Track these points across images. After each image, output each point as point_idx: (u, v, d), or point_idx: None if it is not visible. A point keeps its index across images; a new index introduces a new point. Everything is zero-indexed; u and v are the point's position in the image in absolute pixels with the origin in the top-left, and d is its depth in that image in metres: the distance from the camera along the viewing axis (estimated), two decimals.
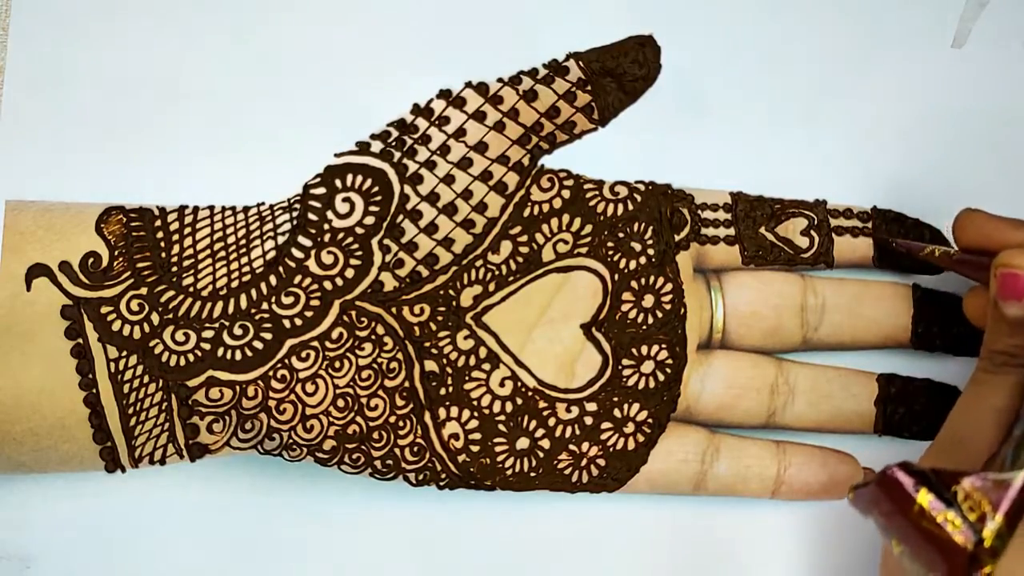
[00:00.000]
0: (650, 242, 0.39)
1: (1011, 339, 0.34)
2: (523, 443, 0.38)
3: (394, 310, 0.37)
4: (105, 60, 0.42)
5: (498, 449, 0.38)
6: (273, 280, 0.35)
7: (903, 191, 0.43)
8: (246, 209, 0.37)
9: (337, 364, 0.36)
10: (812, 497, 0.40)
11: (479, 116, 0.36)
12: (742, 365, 0.40)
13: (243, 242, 0.36)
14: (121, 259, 0.35)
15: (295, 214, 0.36)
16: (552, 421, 0.38)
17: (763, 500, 0.40)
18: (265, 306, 0.35)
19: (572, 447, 0.38)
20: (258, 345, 0.35)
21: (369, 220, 0.36)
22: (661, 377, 0.39)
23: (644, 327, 0.39)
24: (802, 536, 0.41)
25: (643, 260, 0.39)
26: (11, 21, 0.42)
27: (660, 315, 0.39)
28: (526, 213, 0.38)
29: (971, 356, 0.41)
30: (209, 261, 0.36)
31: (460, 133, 0.36)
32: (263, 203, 0.37)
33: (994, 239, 0.35)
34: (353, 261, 0.36)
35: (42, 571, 0.38)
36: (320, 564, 0.39)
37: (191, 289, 0.35)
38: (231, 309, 0.35)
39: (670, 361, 0.39)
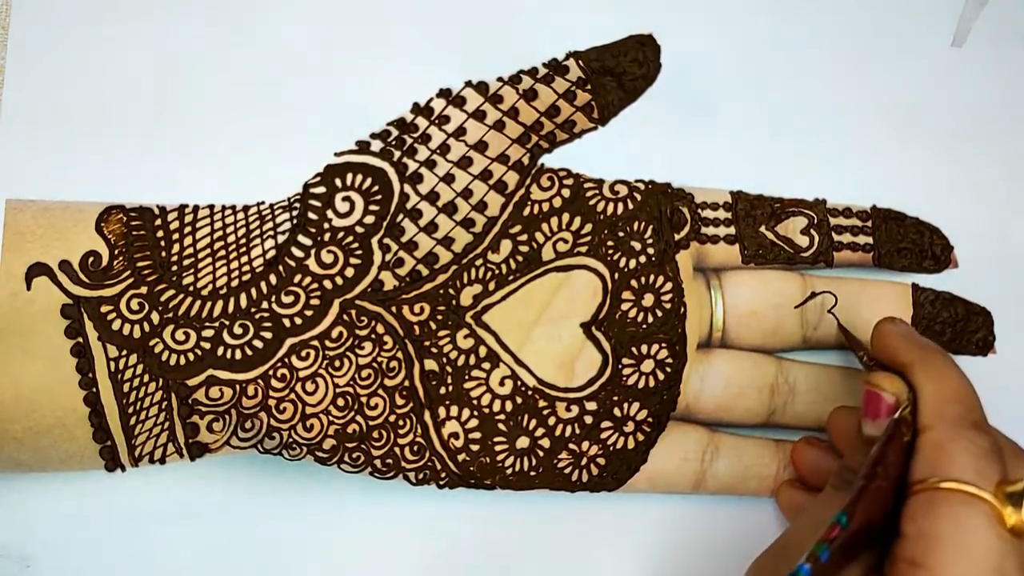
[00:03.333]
0: (650, 241, 0.39)
1: (862, 457, 0.34)
2: (523, 442, 0.38)
3: (394, 309, 0.37)
4: (105, 60, 0.42)
5: (498, 448, 0.38)
6: (273, 279, 0.35)
7: (903, 190, 0.43)
8: (246, 208, 0.37)
9: (337, 363, 0.36)
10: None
11: (479, 115, 0.36)
12: (742, 364, 0.40)
13: (243, 241, 0.36)
14: (121, 258, 0.35)
15: (295, 213, 0.36)
16: (552, 420, 0.38)
17: (763, 499, 0.40)
18: (265, 305, 0.35)
19: (572, 446, 0.38)
20: (258, 344, 0.35)
21: (369, 219, 0.36)
22: (661, 376, 0.39)
23: (644, 326, 0.39)
24: None
25: (643, 259, 0.39)
26: (11, 21, 0.42)
27: (660, 314, 0.39)
28: (526, 212, 0.38)
29: (971, 355, 0.42)
30: (209, 260, 0.36)
31: (460, 132, 0.36)
32: (263, 202, 0.37)
33: (894, 357, 0.35)
34: (353, 260, 0.36)
35: (42, 571, 0.38)
36: (320, 564, 0.39)
37: (191, 288, 0.35)
38: (231, 308, 0.35)
39: (670, 360, 0.39)
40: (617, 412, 0.39)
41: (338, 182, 0.36)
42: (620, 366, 0.39)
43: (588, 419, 0.38)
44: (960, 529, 0.30)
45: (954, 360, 0.34)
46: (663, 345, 0.39)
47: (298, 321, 0.35)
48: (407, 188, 0.36)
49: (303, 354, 0.35)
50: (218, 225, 0.36)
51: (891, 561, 0.31)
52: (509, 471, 0.38)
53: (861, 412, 0.34)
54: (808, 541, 0.30)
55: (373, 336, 0.36)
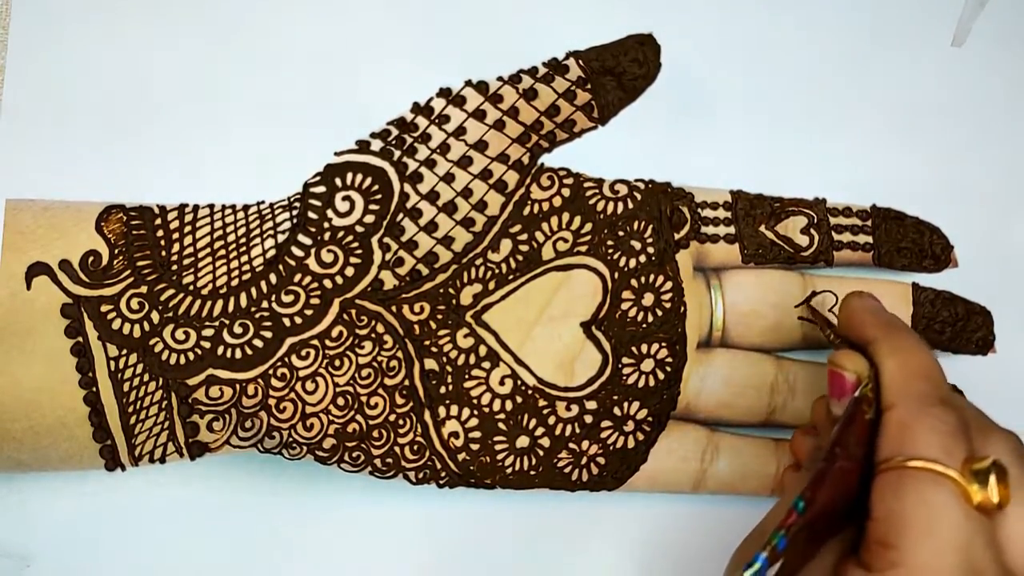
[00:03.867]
0: (650, 240, 0.39)
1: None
2: (523, 441, 0.38)
3: (394, 308, 0.37)
4: (105, 60, 0.42)
5: (498, 447, 0.38)
6: (273, 278, 0.35)
7: (903, 190, 0.43)
8: (246, 207, 0.37)
9: (337, 362, 0.36)
10: None
11: (479, 115, 0.36)
12: (742, 363, 0.40)
13: (243, 240, 0.36)
14: (121, 257, 0.35)
15: (295, 212, 0.36)
16: (552, 419, 0.38)
17: (763, 498, 0.40)
18: (265, 304, 0.35)
19: (572, 445, 0.38)
20: (258, 343, 0.35)
21: (369, 218, 0.36)
22: (661, 375, 0.39)
23: (644, 325, 0.39)
24: None
25: (643, 258, 0.39)
26: (11, 21, 0.42)
27: (660, 313, 0.39)
28: (526, 211, 0.38)
29: (971, 355, 0.42)
30: (209, 259, 0.36)
31: (460, 131, 0.36)
32: (263, 201, 0.37)
33: (859, 333, 0.35)
34: (353, 259, 0.36)
35: (42, 570, 0.38)
36: (320, 563, 0.39)
37: (191, 287, 0.35)
38: (231, 307, 0.35)
39: (670, 359, 0.39)
40: (617, 411, 0.39)
41: (338, 181, 0.36)
42: (620, 365, 0.39)
43: (588, 418, 0.38)
44: (927, 508, 0.29)
45: (918, 336, 0.34)
46: (663, 344, 0.39)
47: (298, 320, 0.35)
48: (407, 187, 0.36)
49: (303, 353, 0.35)
50: (218, 224, 0.36)
51: (864, 544, 0.31)
52: (509, 470, 0.38)
53: (828, 392, 0.34)
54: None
55: (373, 335, 0.36)
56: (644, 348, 0.39)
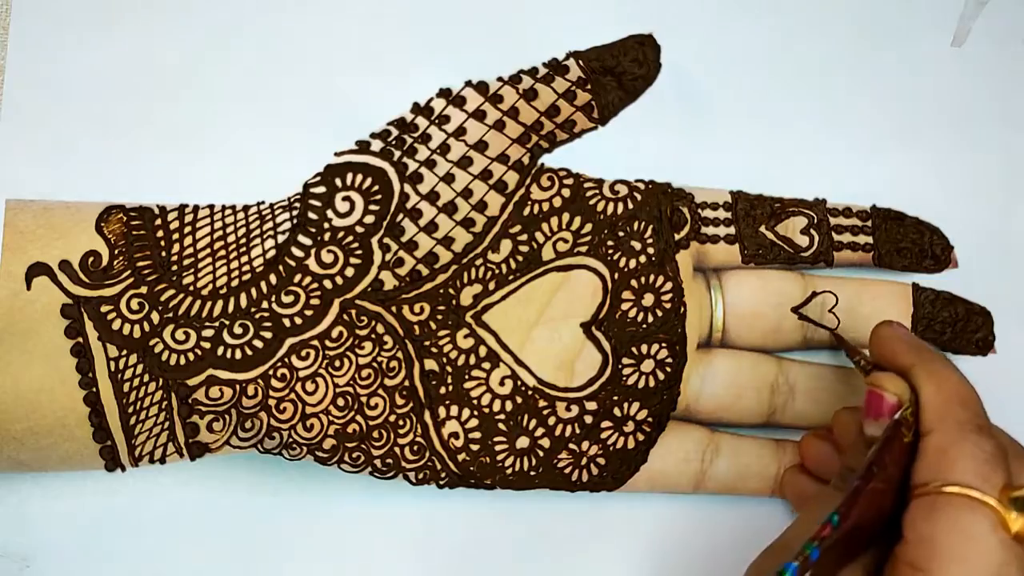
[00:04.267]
0: (650, 241, 0.39)
1: (861, 458, 0.34)
2: (523, 442, 0.38)
3: (394, 309, 0.37)
4: (105, 60, 0.42)
5: (498, 448, 0.38)
6: (273, 279, 0.35)
7: (903, 190, 0.43)
8: (246, 208, 0.37)
9: (337, 363, 0.36)
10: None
11: (479, 115, 0.36)
12: (742, 364, 0.40)
13: (243, 241, 0.36)
14: (121, 258, 0.35)
15: (295, 213, 0.36)
16: (552, 420, 0.38)
17: (763, 499, 0.40)
18: (265, 305, 0.35)
19: (572, 446, 0.38)
20: (258, 344, 0.35)
21: (369, 219, 0.36)
22: (661, 376, 0.39)
23: (644, 326, 0.39)
24: None
25: (643, 259, 0.39)
26: (11, 21, 0.42)
27: (660, 314, 0.39)
28: (526, 212, 0.38)
29: (971, 355, 0.42)
30: (209, 260, 0.36)
31: (460, 132, 0.36)
32: (263, 202, 0.37)
33: (893, 360, 0.35)
34: (353, 260, 0.36)
35: (42, 570, 0.38)
36: (320, 563, 0.39)
37: (191, 288, 0.35)
38: (231, 308, 0.35)
39: (670, 360, 0.39)
40: (617, 412, 0.39)
41: (338, 182, 0.36)
42: (620, 366, 0.39)
43: (588, 419, 0.38)
44: (962, 534, 0.30)
45: (954, 364, 0.34)
46: (663, 345, 0.39)
47: (298, 321, 0.35)
48: (407, 188, 0.36)
49: (303, 354, 0.35)
50: (218, 225, 0.36)
51: (891, 564, 0.31)
52: (509, 471, 0.38)
53: (863, 412, 0.34)
54: (804, 540, 0.30)
55: (373, 336, 0.36)
56: (644, 349, 0.39)
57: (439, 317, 0.37)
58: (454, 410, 0.37)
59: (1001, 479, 0.30)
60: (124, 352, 0.35)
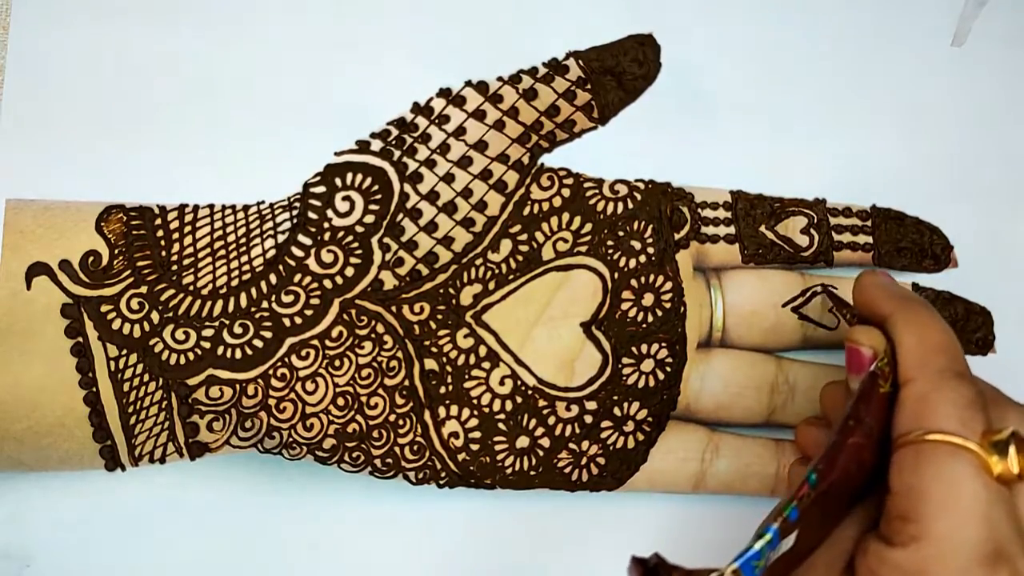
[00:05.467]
0: (650, 240, 0.39)
1: None
2: (523, 442, 0.38)
3: (394, 308, 0.37)
4: (105, 60, 0.42)
5: (498, 448, 0.38)
6: (273, 278, 0.35)
7: (903, 190, 0.43)
8: (246, 207, 0.37)
9: (337, 363, 0.36)
10: None
11: (479, 115, 0.36)
12: (742, 364, 0.40)
13: (243, 240, 0.36)
14: (121, 258, 0.35)
15: (295, 212, 0.36)
16: (552, 420, 0.38)
17: (763, 498, 0.40)
18: (265, 304, 0.35)
19: (572, 445, 0.38)
20: (258, 343, 0.35)
21: (369, 218, 0.36)
22: (661, 376, 0.39)
23: (644, 325, 0.39)
24: None
25: (643, 259, 0.39)
26: (11, 21, 0.42)
27: (660, 313, 0.39)
28: (526, 212, 0.38)
29: (971, 355, 0.42)
30: (209, 259, 0.36)
31: (460, 132, 0.36)
32: (263, 201, 0.37)
33: (873, 308, 0.34)
34: (353, 259, 0.36)
35: (42, 570, 0.38)
36: (320, 563, 0.39)
37: (191, 287, 0.35)
38: (231, 307, 0.35)
39: (670, 360, 0.39)
40: (617, 412, 0.39)
41: (338, 181, 0.36)
42: (620, 366, 0.39)
43: (588, 419, 0.38)
44: (947, 481, 0.29)
45: (934, 310, 0.34)
46: (663, 345, 0.39)
47: (298, 320, 0.35)
48: (407, 187, 0.36)
49: (303, 353, 0.35)
50: (218, 225, 0.36)
51: (884, 518, 0.31)
52: (509, 470, 0.38)
53: (847, 370, 0.34)
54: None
55: (373, 336, 0.36)
56: (644, 348, 0.39)
57: (439, 317, 0.37)
58: (454, 410, 0.37)
59: (981, 424, 0.30)
60: (124, 352, 0.35)
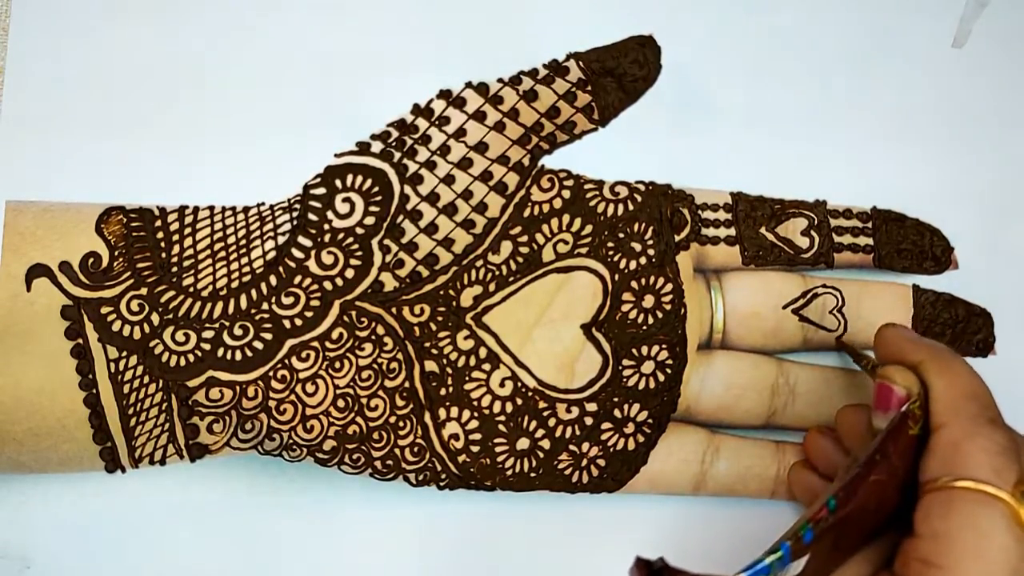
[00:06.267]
0: (650, 242, 0.39)
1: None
2: (523, 443, 0.38)
3: (394, 310, 0.37)
4: (105, 60, 0.42)
5: (498, 449, 0.38)
6: (273, 280, 0.35)
7: (903, 191, 0.43)
8: (246, 209, 0.37)
9: (337, 364, 0.36)
10: None
11: (479, 116, 0.36)
12: (742, 365, 0.40)
13: (243, 242, 0.36)
14: (121, 259, 0.35)
15: (295, 214, 0.36)
16: (552, 421, 0.38)
17: (763, 500, 0.40)
18: (265, 306, 0.35)
19: (572, 447, 0.38)
20: (258, 345, 0.35)
21: (369, 220, 0.36)
22: (661, 377, 0.39)
23: (644, 327, 0.39)
24: None
25: (643, 260, 0.39)
26: (11, 21, 0.42)
27: (660, 315, 0.39)
28: (526, 213, 0.38)
29: (971, 357, 0.42)
30: (209, 261, 0.36)
31: (460, 133, 0.36)
32: (263, 203, 0.37)
33: (902, 358, 0.34)
34: (353, 261, 0.36)
35: (42, 571, 0.38)
36: (320, 565, 0.39)
37: (191, 289, 0.35)
38: (231, 309, 0.35)
39: (670, 361, 0.39)
40: (617, 413, 0.39)
41: (338, 183, 0.36)
42: (620, 367, 0.39)
43: (588, 420, 0.38)
44: (977, 530, 0.29)
45: (963, 358, 0.34)
46: (663, 346, 0.39)
47: (298, 322, 0.35)
48: (407, 189, 0.36)
49: (303, 355, 0.35)
50: (218, 226, 0.36)
51: (903, 560, 0.31)
52: (509, 472, 0.38)
53: (872, 405, 0.34)
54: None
55: (373, 337, 0.36)
56: (644, 350, 0.39)
57: (439, 318, 0.37)
58: (454, 411, 0.37)
59: (1014, 473, 0.30)
60: (124, 353, 0.35)
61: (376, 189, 0.36)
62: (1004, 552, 0.29)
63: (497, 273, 0.38)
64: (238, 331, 0.35)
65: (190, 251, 0.36)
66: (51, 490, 0.39)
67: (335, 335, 0.36)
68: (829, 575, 0.32)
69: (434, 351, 0.37)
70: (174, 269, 0.35)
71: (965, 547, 0.29)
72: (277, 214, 0.36)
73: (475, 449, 0.37)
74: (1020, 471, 0.30)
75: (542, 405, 0.38)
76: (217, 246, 0.36)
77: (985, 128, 0.45)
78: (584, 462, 0.38)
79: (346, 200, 0.36)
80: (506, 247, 0.38)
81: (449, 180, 0.36)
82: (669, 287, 0.39)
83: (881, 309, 0.41)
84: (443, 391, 0.37)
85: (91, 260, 0.35)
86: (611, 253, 0.39)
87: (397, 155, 0.36)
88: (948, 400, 0.32)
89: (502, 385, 0.38)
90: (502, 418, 0.38)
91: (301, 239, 0.36)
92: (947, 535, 0.30)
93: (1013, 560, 0.29)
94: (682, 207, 0.40)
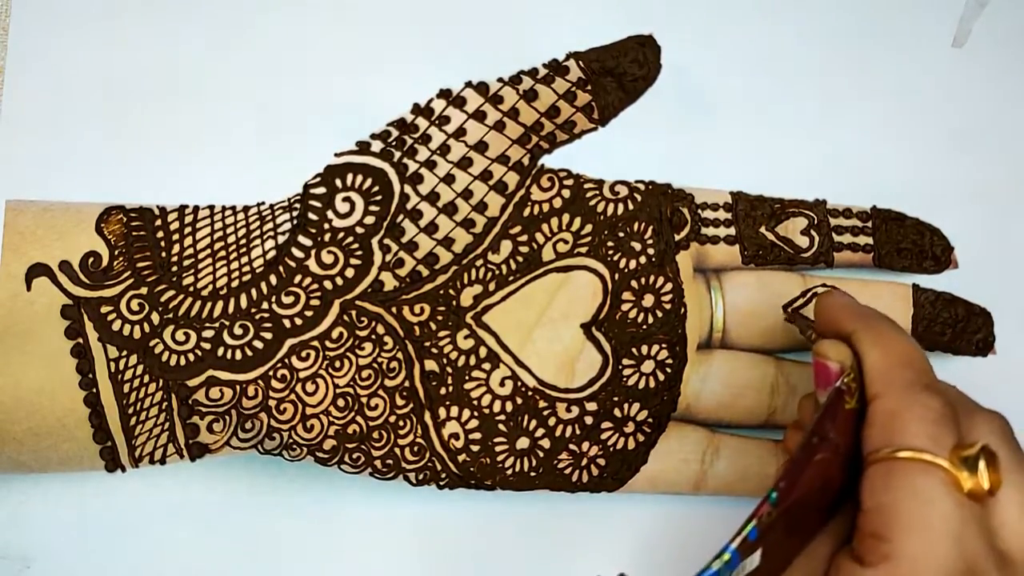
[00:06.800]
0: (650, 242, 0.39)
1: None
2: (523, 443, 0.38)
3: (394, 310, 0.37)
4: (105, 60, 0.42)
5: (498, 449, 0.38)
6: (273, 279, 0.35)
7: (903, 190, 0.43)
8: (246, 209, 0.37)
9: (337, 364, 0.36)
10: None
11: (479, 116, 0.36)
12: (742, 365, 0.40)
13: (243, 242, 0.36)
14: (121, 259, 0.35)
15: (295, 214, 0.36)
16: (552, 421, 0.38)
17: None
18: (265, 306, 0.35)
19: (572, 447, 0.38)
20: (258, 345, 0.35)
21: (369, 220, 0.36)
22: (661, 377, 0.39)
23: (644, 327, 0.39)
24: None
25: (643, 260, 0.39)
26: (11, 21, 0.42)
27: (660, 315, 0.39)
28: (526, 213, 0.38)
29: (971, 356, 0.42)
30: (209, 261, 0.36)
31: (460, 133, 0.36)
32: (263, 203, 0.37)
33: (837, 327, 0.34)
34: (353, 261, 0.36)
35: (42, 571, 0.38)
36: (320, 564, 0.39)
37: (191, 289, 0.35)
38: (231, 309, 0.35)
39: (670, 361, 0.39)
40: (617, 413, 0.39)
41: (338, 182, 0.36)
42: (620, 367, 0.39)
43: (588, 420, 0.38)
44: (918, 498, 0.29)
45: (898, 324, 0.34)
46: (663, 346, 0.39)
47: (298, 322, 0.35)
48: (407, 188, 0.36)
49: (303, 355, 0.35)
50: (218, 226, 0.36)
51: (859, 536, 0.31)
52: (509, 471, 0.38)
53: (814, 385, 0.34)
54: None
55: (373, 337, 0.36)
56: (644, 349, 0.39)
57: (439, 318, 0.37)
58: (454, 411, 0.37)
59: (951, 438, 0.30)
60: (124, 353, 0.35)
61: (376, 188, 0.36)
62: (946, 519, 0.29)
63: (497, 272, 0.38)
64: (238, 330, 0.35)
65: (190, 250, 0.36)
66: (51, 490, 0.39)
67: (335, 334, 0.36)
68: (791, 561, 0.32)
69: (434, 350, 0.37)
70: (174, 268, 0.35)
71: (908, 517, 0.29)
72: (277, 213, 0.36)
73: (475, 448, 0.37)
74: (957, 435, 0.30)
75: (542, 404, 0.38)
76: (217, 245, 0.36)
77: (985, 128, 0.45)
78: (584, 461, 0.38)
79: (346, 199, 0.36)
80: (506, 246, 0.38)
81: (449, 179, 0.36)
82: (669, 286, 0.39)
83: (881, 308, 0.40)
84: (443, 390, 0.37)
85: (91, 259, 0.35)
86: (611, 252, 0.39)
87: (397, 154, 0.36)
88: (882, 369, 0.32)
89: (502, 384, 0.38)
90: (502, 417, 0.38)
91: (301, 238, 0.36)
92: (891, 506, 0.30)
93: (955, 526, 0.29)
94: (682, 206, 0.40)
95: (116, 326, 0.35)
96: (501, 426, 0.38)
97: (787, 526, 0.31)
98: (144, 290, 0.35)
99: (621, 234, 0.39)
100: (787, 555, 0.32)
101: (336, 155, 0.36)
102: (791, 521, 0.31)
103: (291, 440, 0.35)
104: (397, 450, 0.37)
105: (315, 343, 0.36)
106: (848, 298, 0.36)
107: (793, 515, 0.31)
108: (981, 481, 0.30)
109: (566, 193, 0.38)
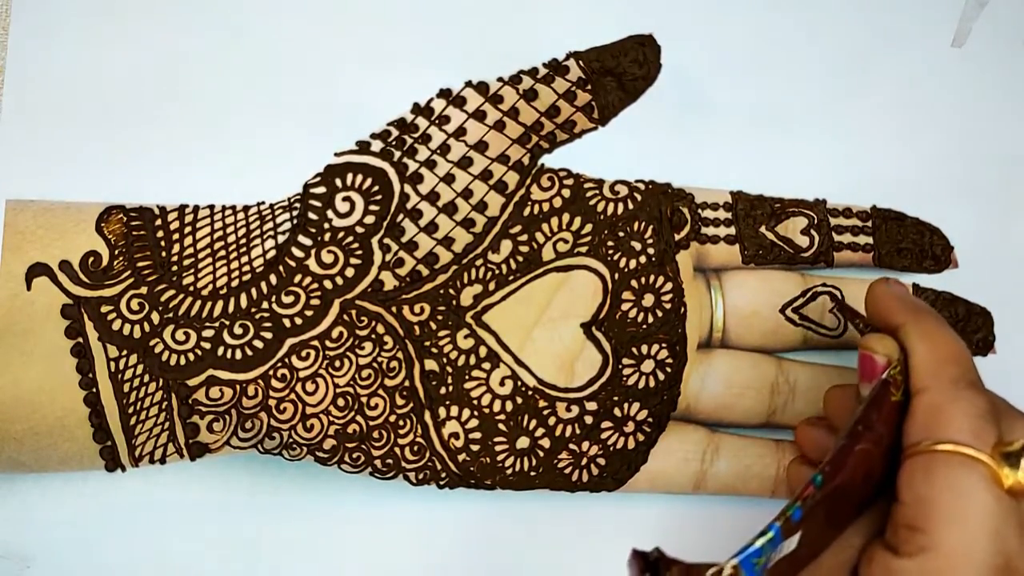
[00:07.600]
0: (650, 241, 0.39)
1: None
2: (523, 442, 0.38)
3: (394, 309, 0.37)
4: (105, 60, 0.42)
5: (498, 448, 0.38)
6: (273, 279, 0.35)
7: (903, 190, 0.43)
8: (246, 208, 0.37)
9: (337, 363, 0.36)
10: None
11: (479, 115, 0.36)
12: (742, 364, 0.40)
13: (243, 241, 0.36)
14: (121, 258, 0.35)
15: (295, 213, 0.36)
16: (552, 420, 0.38)
17: (763, 499, 0.40)
18: (265, 305, 0.35)
19: (572, 446, 0.38)
20: (258, 344, 0.35)
21: (369, 219, 0.36)
22: (661, 376, 0.39)
23: (644, 326, 0.39)
24: None
25: (643, 259, 0.39)
26: (11, 21, 0.42)
27: (660, 314, 0.39)
28: (526, 212, 0.38)
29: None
30: (209, 260, 0.36)
31: (460, 132, 0.36)
32: (263, 202, 0.37)
33: (886, 318, 0.34)
34: (353, 260, 0.36)
35: (42, 571, 0.38)
36: (320, 564, 0.39)
37: (191, 288, 0.35)
38: (231, 308, 0.35)
39: (670, 360, 0.39)
40: (617, 412, 0.39)
41: (338, 182, 0.36)
42: (620, 366, 0.39)
43: (588, 419, 0.38)
44: (958, 492, 0.29)
45: (945, 321, 0.34)
46: (663, 345, 0.39)
47: (298, 321, 0.35)
48: (407, 188, 0.36)
49: (303, 354, 0.35)
50: (218, 225, 0.36)
51: (892, 528, 0.31)
52: (509, 471, 0.38)
53: (858, 377, 0.34)
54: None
55: (373, 336, 0.36)
56: (644, 349, 0.39)
57: (439, 317, 0.37)
58: (454, 410, 0.37)
59: (993, 435, 0.30)
60: (124, 352, 0.35)
61: (376, 188, 0.36)
62: (985, 513, 0.29)
63: (497, 272, 0.38)
64: (238, 330, 0.35)
65: (190, 250, 0.36)
66: (51, 490, 0.39)
67: (335, 334, 0.36)
68: (824, 550, 0.32)
69: (434, 350, 0.37)
70: (174, 268, 0.35)
71: (947, 510, 0.29)
72: (277, 213, 0.36)
73: (475, 448, 0.37)
74: (999, 433, 0.30)
75: (542, 404, 0.38)
76: (217, 245, 0.36)
77: (984, 126, 0.45)
78: (584, 461, 0.38)
79: (346, 199, 0.36)
80: (506, 246, 0.38)
81: (449, 179, 0.36)
82: (669, 286, 0.39)
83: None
84: (443, 390, 0.37)
85: (91, 259, 0.35)
86: (611, 252, 0.39)
87: (397, 154, 0.36)
88: (929, 364, 0.32)
89: (502, 384, 0.38)
90: (502, 417, 0.38)
91: (301, 238, 0.36)
92: (929, 499, 0.30)
93: (994, 521, 0.29)
94: (682, 206, 0.40)
95: (116, 326, 0.35)
96: (501, 426, 0.38)
97: (827, 513, 0.31)
98: (144, 289, 0.35)
99: (621, 234, 0.39)
100: (823, 542, 0.32)
101: (336, 154, 0.36)
102: (831, 508, 0.31)
103: (291, 440, 0.35)
104: (397, 450, 0.37)
105: (315, 343, 0.36)
106: (902, 288, 0.36)
107: (835, 502, 0.31)
108: (1021, 478, 0.30)
109: (566, 193, 0.38)
